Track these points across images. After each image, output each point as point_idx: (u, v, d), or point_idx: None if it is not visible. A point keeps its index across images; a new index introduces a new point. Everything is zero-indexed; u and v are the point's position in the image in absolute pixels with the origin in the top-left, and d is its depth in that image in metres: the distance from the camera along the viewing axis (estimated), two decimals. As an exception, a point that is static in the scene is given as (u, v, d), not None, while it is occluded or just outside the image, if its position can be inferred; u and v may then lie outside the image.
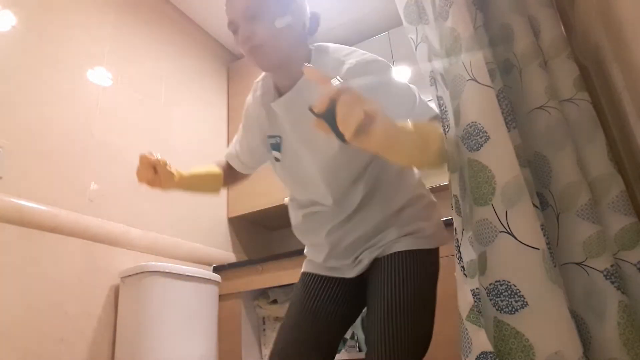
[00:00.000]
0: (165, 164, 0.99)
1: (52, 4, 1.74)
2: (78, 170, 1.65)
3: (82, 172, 1.66)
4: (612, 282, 0.75)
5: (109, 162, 1.76)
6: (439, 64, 0.96)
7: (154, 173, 0.98)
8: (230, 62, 2.83)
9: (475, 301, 0.76)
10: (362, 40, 2.61)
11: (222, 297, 1.94)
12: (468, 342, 0.72)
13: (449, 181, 0.92)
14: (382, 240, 1.00)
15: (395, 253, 0.97)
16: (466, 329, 0.73)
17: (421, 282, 0.95)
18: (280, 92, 1.01)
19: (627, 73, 0.82)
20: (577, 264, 0.80)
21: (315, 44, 1.02)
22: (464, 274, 0.79)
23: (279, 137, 1.04)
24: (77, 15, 1.82)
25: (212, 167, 1.19)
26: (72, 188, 1.61)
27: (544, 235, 0.73)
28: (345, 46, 1.01)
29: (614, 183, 0.82)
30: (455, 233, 0.84)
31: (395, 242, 0.98)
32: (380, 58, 0.96)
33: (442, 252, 1.07)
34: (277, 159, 1.06)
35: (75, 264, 1.55)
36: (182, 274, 1.69)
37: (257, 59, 0.92)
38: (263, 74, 1.10)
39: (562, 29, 0.98)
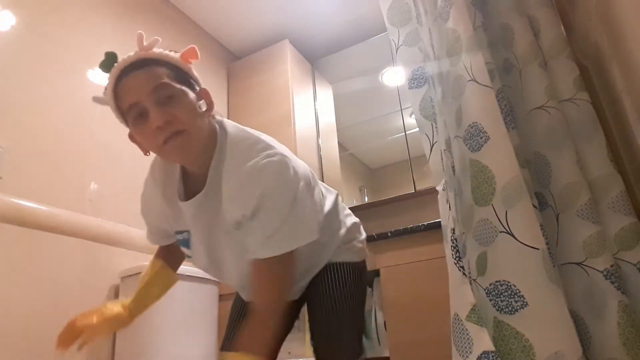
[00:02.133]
0: (104, 314, 0.93)
1: (52, 4, 1.73)
2: (78, 170, 1.65)
3: (82, 172, 1.66)
4: (612, 282, 0.75)
5: (109, 162, 1.76)
6: (435, 66, 0.96)
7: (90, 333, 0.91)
8: (230, 62, 2.82)
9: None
10: (362, 40, 2.61)
11: (222, 297, 1.94)
12: (468, 342, 0.72)
13: (439, 185, 0.92)
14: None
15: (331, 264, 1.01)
16: (466, 329, 0.72)
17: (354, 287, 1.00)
18: (186, 183, 0.88)
19: (627, 73, 0.82)
20: (577, 264, 0.80)
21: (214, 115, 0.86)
22: (463, 273, 0.79)
23: (187, 232, 0.91)
24: (77, 15, 1.82)
25: (153, 263, 1.05)
26: (72, 188, 1.61)
27: (543, 236, 0.74)
28: (245, 130, 0.85)
29: (614, 183, 0.82)
30: (453, 233, 0.84)
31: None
32: (277, 157, 0.78)
33: (435, 254, 1.06)
34: (188, 256, 0.96)
35: (75, 264, 1.54)
36: (182, 274, 1.68)
37: (178, 149, 0.75)
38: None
39: (562, 29, 0.98)
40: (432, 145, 0.99)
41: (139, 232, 1.82)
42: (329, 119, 2.65)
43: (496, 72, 0.85)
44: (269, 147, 0.81)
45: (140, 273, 1.61)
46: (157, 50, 0.78)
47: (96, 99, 0.82)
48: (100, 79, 1.82)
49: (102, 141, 1.74)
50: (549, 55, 0.93)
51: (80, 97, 1.72)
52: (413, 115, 2.46)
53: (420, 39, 1.03)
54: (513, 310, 0.70)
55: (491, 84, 0.79)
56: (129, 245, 1.76)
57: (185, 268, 1.73)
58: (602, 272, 0.76)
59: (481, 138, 0.78)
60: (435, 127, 0.98)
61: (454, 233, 0.84)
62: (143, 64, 0.76)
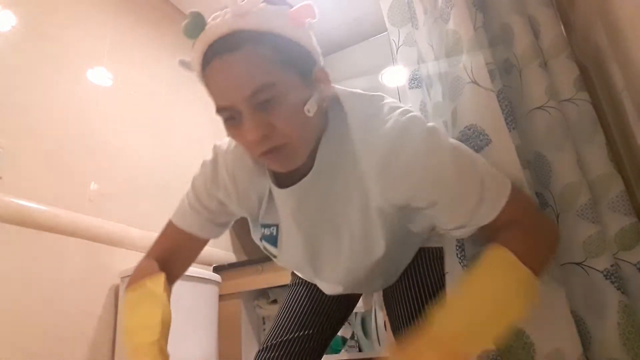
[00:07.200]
0: None
1: (52, 4, 1.73)
2: (78, 170, 1.65)
3: (82, 172, 1.66)
4: (612, 282, 0.75)
5: (109, 162, 1.76)
6: (431, 67, 0.96)
7: None
8: (230, 62, 2.83)
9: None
10: (362, 40, 2.61)
11: (222, 297, 1.94)
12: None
13: None
14: None
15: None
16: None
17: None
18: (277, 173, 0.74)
19: (627, 73, 0.82)
20: (577, 264, 0.79)
21: (332, 88, 0.73)
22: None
23: (275, 226, 0.78)
24: (77, 15, 1.82)
25: (158, 279, 0.84)
26: (72, 188, 1.61)
27: (544, 235, 0.73)
28: (366, 101, 0.74)
29: (614, 183, 0.82)
30: None
31: None
32: (423, 127, 0.66)
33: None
34: (271, 254, 0.83)
35: (75, 264, 1.54)
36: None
37: (277, 164, 0.64)
38: (231, 143, 0.79)
39: (562, 29, 0.98)
40: None
41: (138, 232, 1.82)
42: (329, 119, 2.65)
43: (497, 72, 0.85)
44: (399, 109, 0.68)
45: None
46: (257, 14, 0.59)
47: (183, 64, 0.67)
48: (100, 79, 1.82)
49: (102, 141, 1.74)
50: (549, 55, 0.93)
51: (80, 97, 1.72)
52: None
53: (417, 40, 1.03)
54: (513, 309, 0.70)
55: (492, 85, 0.79)
56: (129, 245, 1.76)
57: (185, 268, 1.73)
58: (602, 272, 0.76)
59: (481, 140, 0.78)
60: None
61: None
62: (237, 41, 0.59)
